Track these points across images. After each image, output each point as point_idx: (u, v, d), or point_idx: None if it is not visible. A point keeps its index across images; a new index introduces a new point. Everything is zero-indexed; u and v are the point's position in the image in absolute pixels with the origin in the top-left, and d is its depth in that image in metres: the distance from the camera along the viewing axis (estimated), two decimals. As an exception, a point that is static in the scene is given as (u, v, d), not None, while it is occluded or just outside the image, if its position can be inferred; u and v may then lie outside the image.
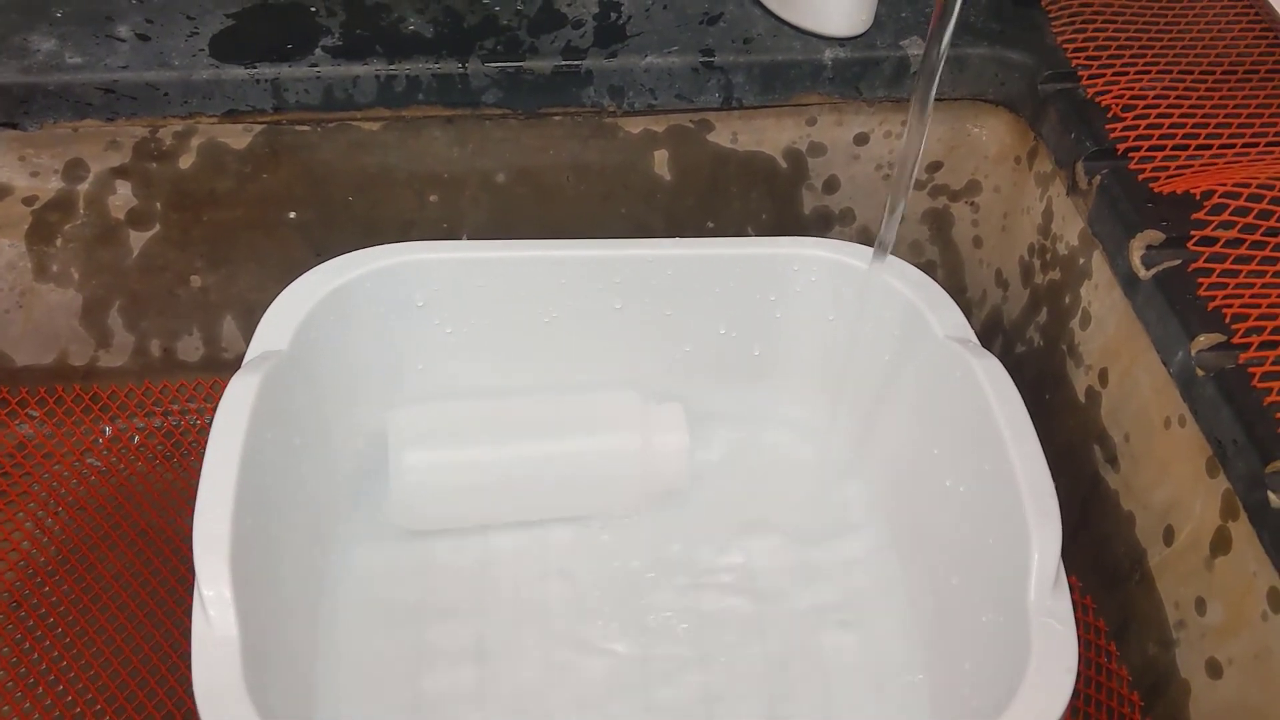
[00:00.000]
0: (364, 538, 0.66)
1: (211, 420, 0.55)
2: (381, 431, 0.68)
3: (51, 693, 0.61)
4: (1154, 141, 0.64)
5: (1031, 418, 0.57)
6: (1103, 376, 0.64)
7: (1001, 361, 0.60)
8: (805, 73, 0.69)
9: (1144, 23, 0.72)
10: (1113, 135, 0.64)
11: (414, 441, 0.65)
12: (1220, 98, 0.67)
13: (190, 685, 0.47)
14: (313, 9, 0.69)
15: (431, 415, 0.66)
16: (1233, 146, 0.64)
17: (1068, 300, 0.68)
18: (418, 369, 0.69)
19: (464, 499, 0.66)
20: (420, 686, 0.61)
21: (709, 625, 0.64)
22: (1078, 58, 0.69)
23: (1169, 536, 0.58)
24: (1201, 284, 0.56)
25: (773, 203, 0.75)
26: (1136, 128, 0.64)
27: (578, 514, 0.68)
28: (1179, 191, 0.61)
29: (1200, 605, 0.56)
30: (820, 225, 0.76)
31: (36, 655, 0.62)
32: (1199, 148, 0.64)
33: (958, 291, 0.79)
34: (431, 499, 0.65)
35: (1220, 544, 0.54)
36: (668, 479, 0.67)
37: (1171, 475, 0.58)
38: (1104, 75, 0.68)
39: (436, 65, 0.66)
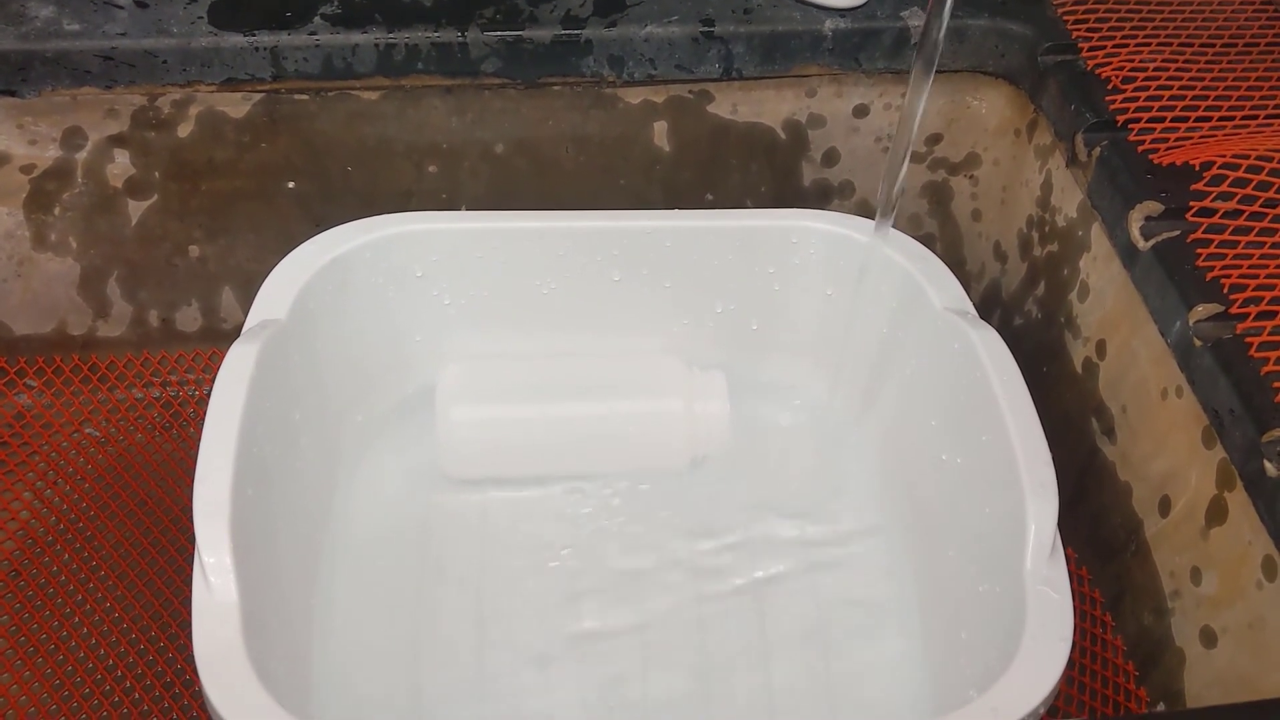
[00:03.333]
0: (362, 504, 0.66)
1: (210, 390, 0.55)
2: (379, 400, 0.68)
3: (51, 661, 0.61)
4: (1154, 113, 0.64)
5: (1029, 389, 0.58)
6: (1100, 348, 0.64)
7: (1000, 334, 0.60)
8: (805, 43, 0.69)
9: (1144, -6, 0.72)
10: (1113, 107, 0.64)
11: (461, 395, 0.66)
12: (1220, 70, 0.66)
13: (189, 654, 0.47)
14: (311, -22, 0.69)
15: (480, 371, 0.68)
16: (1232, 118, 0.64)
17: (1066, 272, 0.68)
18: (416, 339, 0.69)
19: (506, 452, 0.68)
20: (419, 650, 0.61)
21: (707, 594, 0.64)
22: (1078, 29, 0.69)
23: (1165, 507, 0.58)
24: (1200, 254, 0.56)
25: (772, 175, 0.75)
26: (1136, 99, 0.64)
27: (615, 473, 0.69)
28: (1178, 163, 0.61)
29: (1195, 575, 0.56)
30: (819, 197, 0.76)
31: (36, 625, 0.62)
32: (1199, 119, 0.63)
33: (956, 264, 0.79)
34: (475, 450, 0.67)
35: (1216, 514, 0.54)
36: (708, 444, 0.68)
37: (1168, 446, 0.58)
38: (1104, 47, 0.68)
39: (436, 34, 0.66)
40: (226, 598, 0.48)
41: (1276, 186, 0.58)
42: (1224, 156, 0.59)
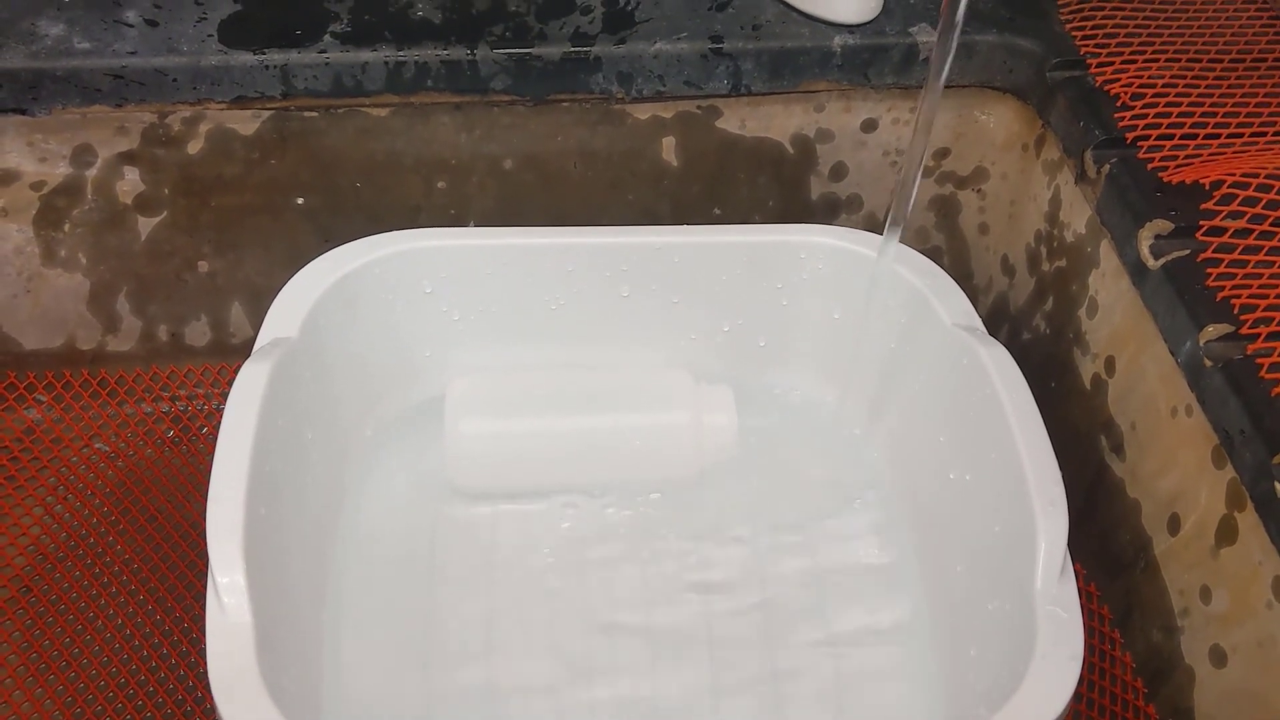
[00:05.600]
0: (371, 518, 0.66)
1: (219, 406, 0.55)
2: (389, 417, 0.68)
3: (62, 678, 0.61)
4: (1163, 130, 0.64)
5: (1037, 406, 0.58)
6: (1109, 365, 0.64)
7: (1006, 349, 0.60)
8: (814, 59, 0.69)
9: (1152, 10, 0.72)
10: (1122, 124, 0.64)
11: (470, 408, 0.66)
12: (1229, 86, 0.66)
13: (200, 671, 0.47)
14: (320, -6, 0.69)
15: (489, 384, 0.68)
16: (1241, 135, 0.64)
17: (1074, 288, 0.68)
18: (424, 354, 0.69)
19: (514, 464, 0.68)
20: (429, 664, 0.61)
21: (715, 607, 0.64)
22: (1086, 45, 0.69)
23: (1174, 525, 0.58)
24: (1210, 274, 0.56)
25: (780, 189, 0.75)
26: (1145, 116, 0.64)
27: (623, 485, 0.69)
28: (1188, 181, 0.61)
29: (1205, 594, 0.56)
30: (827, 212, 0.76)
31: (47, 641, 0.63)
32: (1208, 136, 0.64)
33: (963, 278, 0.79)
34: (484, 463, 0.67)
35: (1226, 533, 0.54)
36: (715, 457, 0.68)
37: (1177, 464, 0.58)
38: (1113, 63, 0.68)
39: (445, 52, 0.66)
40: (240, 618, 0.49)
41: (1286, 205, 0.58)
42: (1234, 175, 0.59)
